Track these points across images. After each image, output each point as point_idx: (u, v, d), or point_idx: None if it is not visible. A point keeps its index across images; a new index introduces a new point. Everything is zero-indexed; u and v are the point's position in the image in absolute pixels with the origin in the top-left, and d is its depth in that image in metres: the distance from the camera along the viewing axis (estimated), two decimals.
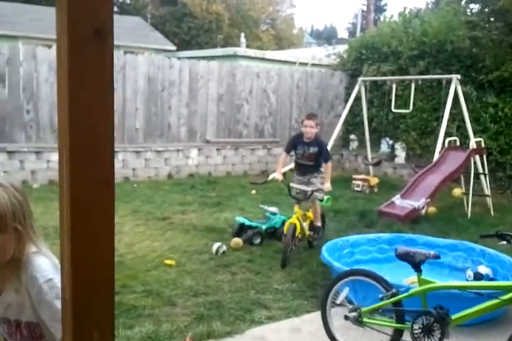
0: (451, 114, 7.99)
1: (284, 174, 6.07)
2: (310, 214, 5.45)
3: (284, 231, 4.99)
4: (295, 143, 5.45)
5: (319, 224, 5.50)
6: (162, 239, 5.65)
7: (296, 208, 5.13)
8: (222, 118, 10.35)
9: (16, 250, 1.48)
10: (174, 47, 21.85)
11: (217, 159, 10.00)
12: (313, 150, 5.31)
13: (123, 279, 4.32)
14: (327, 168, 5.39)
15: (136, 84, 9.33)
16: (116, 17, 24.83)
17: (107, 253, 1.03)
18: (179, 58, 10.98)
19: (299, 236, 5.16)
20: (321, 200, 5.44)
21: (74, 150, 0.92)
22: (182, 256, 5.08)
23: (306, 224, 5.30)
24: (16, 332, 1.54)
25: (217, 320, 3.64)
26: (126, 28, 21.42)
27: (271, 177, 4.79)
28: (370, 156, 9.72)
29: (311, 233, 5.39)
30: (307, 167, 5.43)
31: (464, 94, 8.04)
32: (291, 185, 5.20)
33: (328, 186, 5.29)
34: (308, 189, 5.06)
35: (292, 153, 5.58)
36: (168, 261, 4.83)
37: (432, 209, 7.06)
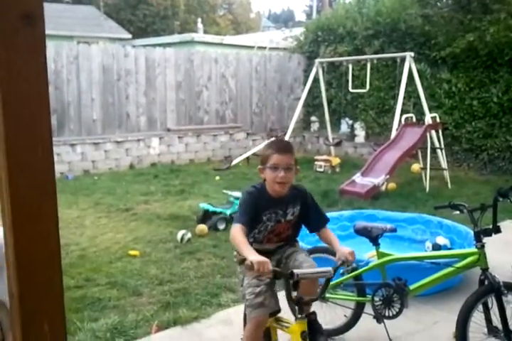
0: (406, 91, 8.13)
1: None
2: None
3: None
4: (257, 206, 2.48)
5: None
6: (125, 230, 5.60)
7: (301, 324, 2.29)
8: (181, 105, 10.25)
9: None
10: (130, 36, 21.42)
11: (179, 147, 9.92)
12: (293, 213, 2.58)
13: (86, 272, 4.28)
14: (330, 234, 2.62)
15: (91, 74, 9.12)
16: (68, 7, 24.17)
17: (52, 244, 1.02)
18: (134, 46, 10.76)
19: None
20: None
21: (11, 149, 0.89)
22: (146, 246, 5.04)
23: None
24: None
25: (183, 307, 3.64)
26: (78, 18, 20.83)
27: (254, 264, 2.14)
28: (330, 137, 9.81)
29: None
30: (278, 247, 2.66)
31: (418, 71, 8.17)
32: (298, 272, 2.22)
33: (347, 253, 2.42)
34: (329, 269, 2.31)
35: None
36: (132, 252, 4.79)
37: (391, 185, 7.21)
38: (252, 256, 2.18)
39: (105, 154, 9.03)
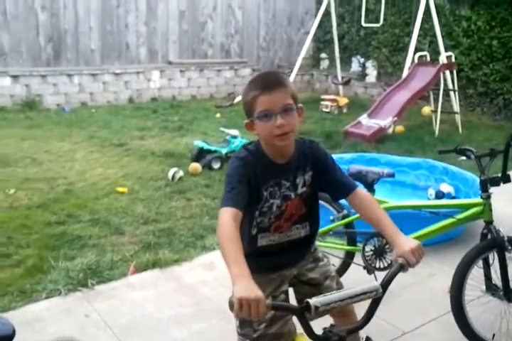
0: (422, 28, 7.58)
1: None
2: None
3: None
4: (254, 177, 1.59)
5: None
6: (117, 165, 5.37)
7: None
8: (184, 37, 9.71)
9: None
10: None
11: (181, 81, 9.50)
12: (305, 182, 1.68)
13: (69, 208, 4.10)
14: (374, 206, 1.65)
15: (89, 0, 8.57)
16: None
17: None
18: None
19: None
20: None
21: None
22: (136, 182, 4.84)
23: None
24: None
25: (165, 248, 3.47)
26: None
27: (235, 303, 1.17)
28: (340, 75, 9.33)
29: None
30: (295, 243, 1.75)
31: (437, 6, 7.57)
32: (317, 302, 1.25)
33: (410, 250, 1.41)
34: (375, 286, 1.33)
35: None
36: (120, 189, 4.59)
37: (399, 128, 6.87)
38: (237, 285, 1.22)
39: (103, 86, 8.66)
